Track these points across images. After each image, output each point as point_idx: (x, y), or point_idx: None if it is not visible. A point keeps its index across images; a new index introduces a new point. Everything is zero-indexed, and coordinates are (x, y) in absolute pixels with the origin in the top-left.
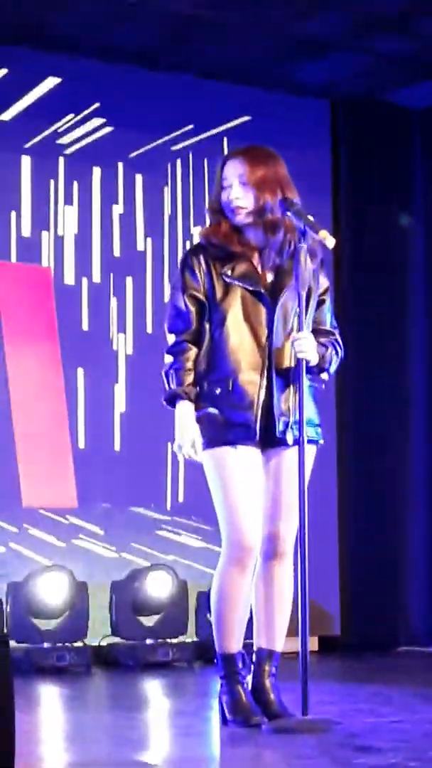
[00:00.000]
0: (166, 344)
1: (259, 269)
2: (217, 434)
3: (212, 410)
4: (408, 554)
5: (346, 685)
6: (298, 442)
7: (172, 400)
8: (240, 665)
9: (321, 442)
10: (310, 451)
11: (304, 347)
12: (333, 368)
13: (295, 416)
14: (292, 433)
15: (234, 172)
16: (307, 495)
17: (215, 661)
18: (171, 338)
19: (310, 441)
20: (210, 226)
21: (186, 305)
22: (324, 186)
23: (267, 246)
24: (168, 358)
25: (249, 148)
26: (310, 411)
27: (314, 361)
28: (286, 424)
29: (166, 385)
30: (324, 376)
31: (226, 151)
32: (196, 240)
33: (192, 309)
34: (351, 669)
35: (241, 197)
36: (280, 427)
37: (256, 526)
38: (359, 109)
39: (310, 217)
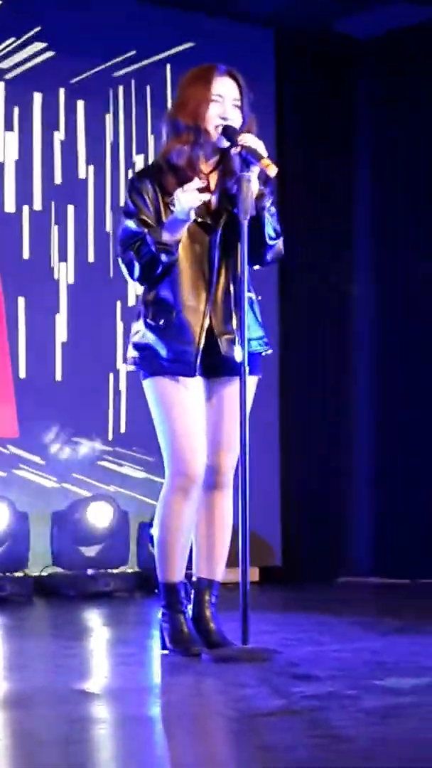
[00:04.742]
0: (117, 268)
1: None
2: (158, 366)
3: (153, 342)
4: (350, 485)
5: (286, 615)
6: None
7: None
8: (182, 595)
9: (268, 351)
10: (253, 382)
11: (249, 138)
12: (270, 228)
13: (238, 333)
14: (239, 349)
15: (227, 90)
16: (249, 424)
17: (156, 591)
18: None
19: (253, 356)
20: (178, 139)
21: (138, 227)
22: (268, 115)
23: (217, 172)
24: (125, 249)
25: (235, 71)
26: (252, 322)
27: (255, 184)
28: (231, 342)
29: (137, 260)
30: (270, 232)
31: (168, 79)
32: (140, 167)
33: (144, 231)
34: (291, 599)
35: (234, 118)
36: (224, 347)
37: (199, 455)
38: (304, 38)
39: (254, 146)
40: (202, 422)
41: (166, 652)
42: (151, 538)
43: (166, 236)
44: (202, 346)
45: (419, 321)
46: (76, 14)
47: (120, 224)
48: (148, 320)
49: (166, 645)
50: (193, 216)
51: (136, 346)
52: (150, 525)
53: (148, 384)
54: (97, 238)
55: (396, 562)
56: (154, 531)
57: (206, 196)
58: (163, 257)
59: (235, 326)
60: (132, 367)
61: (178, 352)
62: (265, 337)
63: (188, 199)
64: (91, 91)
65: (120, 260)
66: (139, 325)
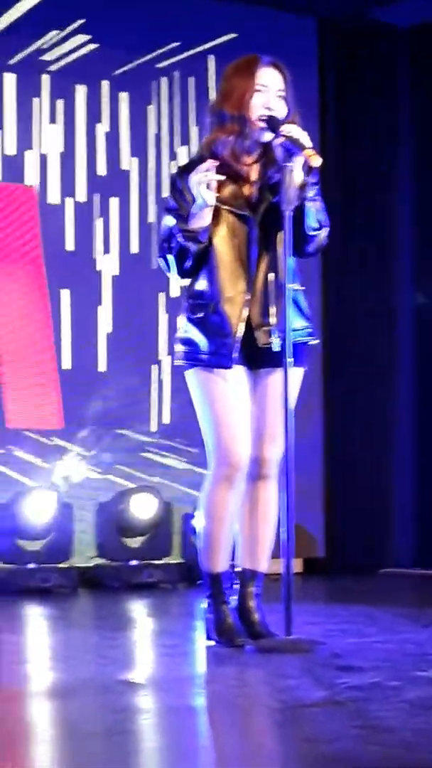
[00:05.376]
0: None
1: (246, 190)
2: (198, 359)
3: (194, 335)
4: (394, 475)
5: (329, 606)
6: (282, 347)
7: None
8: (226, 585)
9: (314, 342)
10: (298, 373)
11: (292, 129)
12: (313, 219)
13: (281, 324)
14: (276, 339)
15: (272, 81)
16: (293, 415)
17: (200, 582)
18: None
19: (297, 346)
20: (222, 129)
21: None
22: (311, 104)
23: (260, 164)
24: (161, 244)
25: (280, 63)
26: (294, 314)
27: (298, 174)
28: (269, 333)
29: (170, 253)
30: (312, 223)
31: (211, 70)
32: (182, 161)
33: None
34: (335, 590)
35: (278, 108)
36: (261, 339)
37: (242, 444)
38: (346, 26)
39: (297, 136)
40: (245, 413)
41: (210, 642)
42: (194, 529)
43: (191, 224)
44: (239, 337)
45: None
46: (119, 6)
47: (162, 219)
48: (189, 314)
49: (211, 635)
50: (211, 201)
51: (181, 341)
52: (193, 516)
53: (189, 376)
54: (140, 230)
55: None
56: (198, 521)
57: (219, 177)
58: (191, 245)
59: (273, 318)
60: (181, 362)
61: (217, 344)
62: (309, 328)
63: (197, 179)
64: (134, 82)
65: (158, 256)
66: (182, 320)
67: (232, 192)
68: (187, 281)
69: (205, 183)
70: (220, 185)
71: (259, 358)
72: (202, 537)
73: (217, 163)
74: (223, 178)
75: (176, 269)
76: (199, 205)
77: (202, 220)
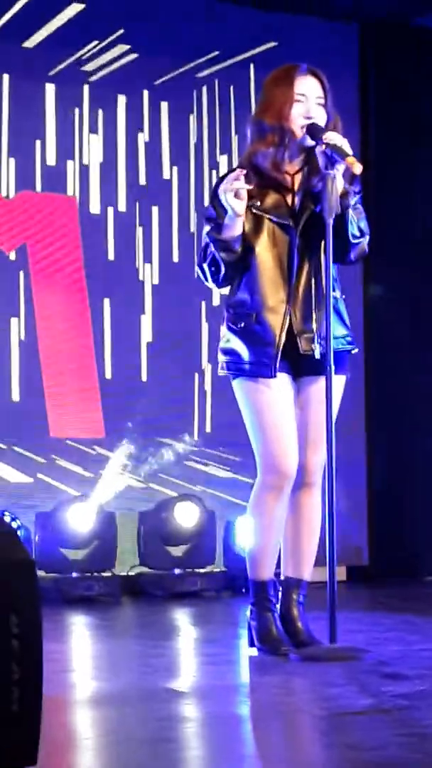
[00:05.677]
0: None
1: (289, 199)
2: (241, 368)
3: (236, 345)
4: None
5: (373, 614)
6: (324, 355)
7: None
8: (271, 593)
9: (354, 350)
10: (340, 381)
11: (333, 136)
12: (355, 227)
13: (322, 331)
14: (318, 346)
15: (311, 90)
16: (336, 423)
17: (243, 590)
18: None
19: (338, 354)
20: (263, 141)
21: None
22: (352, 112)
23: (302, 172)
24: (199, 254)
25: (318, 70)
26: (335, 321)
27: (340, 182)
28: (311, 341)
29: (205, 262)
30: (354, 231)
31: (252, 79)
32: (223, 169)
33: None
34: (379, 598)
35: (318, 116)
36: (303, 346)
37: (291, 451)
38: (388, 33)
39: (339, 143)
40: (292, 420)
41: (254, 649)
42: (235, 538)
43: (223, 234)
44: (282, 346)
45: None
46: (158, 16)
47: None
48: (230, 324)
49: (255, 643)
50: (240, 210)
51: (224, 351)
52: (236, 525)
53: (236, 386)
54: (181, 239)
55: None
56: (246, 528)
57: (246, 186)
58: (223, 255)
59: (314, 325)
60: (224, 372)
61: (259, 354)
62: (349, 336)
63: (224, 189)
64: (174, 92)
65: (197, 265)
66: (224, 330)
67: (274, 201)
68: (226, 290)
69: (232, 192)
70: (263, 194)
71: (301, 367)
72: (250, 544)
73: (244, 172)
74: (250, 186)
75: (211, 278)
76: (230, 215)
77: (233, 229)
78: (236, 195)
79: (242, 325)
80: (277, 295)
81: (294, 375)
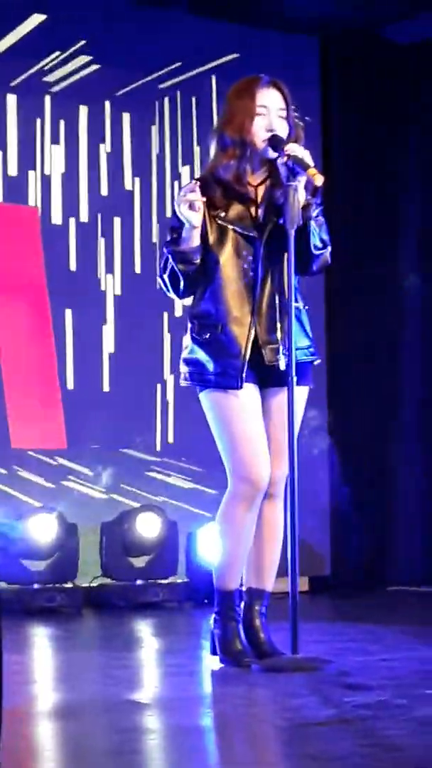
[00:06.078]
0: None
1: (253, 211)
2: (207, 380)
3: (201, 356)
4: (399, 494)
5: (335, 624)
6: (287, 365)
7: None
8: (236, 603)
9: (316, 361)
10: (303, 392)
11: (295, 148)
12: (317, 238)
13: (286, 342)
14: (283, 357)
15: (272, 102)
16: (298, 434)
17: (205, 601)
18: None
19: (301, 365)
20: (225, 153)
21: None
22: (314, 124)
23: (266, 184)
24: (160, 265)
25: (280, 81)
26: (298, 332)
27: (302, 193)
28: (275, 351)
29: (165, 273)
30: (316, 242)
31: (214, 90)
32: (185, 180)
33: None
34: (341, 609)
35: (280, 129)
36: (268, 356)
37: (263, 461)
38: (349, 45)
39: (300, 155)
40: (262, 429)
41: (216, 658)
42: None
43: (181, 245)
44: (248, 357)
45: None
46: (120, 26)
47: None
48: (194, 335)
49: (217, 652)
50: (195, 222)
51: (187, 362)
52: (197, 535)
53: (203, 398)
54: (143, 250)
55: None
56: (214, 538)
57: (201, 198)
58: (181, 266)
59: (279, 336)
60: (186, 383)
61: (225, 365)
62: (311, 347)
63: (178, 201)
64: (136, 103)
65: (158, 276)
66: (187, 340)
67: (238, 213)
68: (189, 301)
69: (186, 204)
70: (228, 206)
71: (266, 378)
72: (218, 554)
73: (198, 184)
74: (204, 198)
75: (172, 289)
76: (186, 227)
77: (190, 241)
78: (191, 207)
79: (207, 336)
80: (242, 306)
81: (260, 385)
